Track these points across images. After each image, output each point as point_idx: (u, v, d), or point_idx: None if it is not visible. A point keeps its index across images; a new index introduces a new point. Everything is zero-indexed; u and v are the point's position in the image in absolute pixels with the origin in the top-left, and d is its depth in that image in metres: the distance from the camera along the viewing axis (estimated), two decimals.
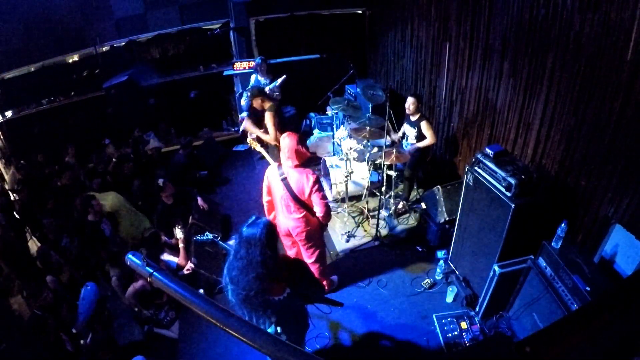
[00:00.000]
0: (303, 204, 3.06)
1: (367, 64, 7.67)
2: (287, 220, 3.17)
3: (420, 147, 4.49)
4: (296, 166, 3.01)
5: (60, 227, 4.47)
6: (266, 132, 4.65)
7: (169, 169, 5.78)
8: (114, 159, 5.65)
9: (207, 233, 2.60)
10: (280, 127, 4.42)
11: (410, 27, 5.71)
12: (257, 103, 4.51)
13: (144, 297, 3.47)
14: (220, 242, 2.54)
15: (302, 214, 3.10)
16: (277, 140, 4.29)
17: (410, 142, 4.56)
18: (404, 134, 4.73)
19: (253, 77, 5.97)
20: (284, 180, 3.02)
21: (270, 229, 1.99)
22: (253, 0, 6.77)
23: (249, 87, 5.83)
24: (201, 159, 6.36)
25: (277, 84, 5.75)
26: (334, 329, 3.45)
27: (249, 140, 4.23)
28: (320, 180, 3.07)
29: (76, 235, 4.25)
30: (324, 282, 3.64)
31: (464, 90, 4.64)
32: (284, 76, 5.81)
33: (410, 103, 4.41)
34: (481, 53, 4.19)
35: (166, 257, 3.86)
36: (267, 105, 4.51)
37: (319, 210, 3.05)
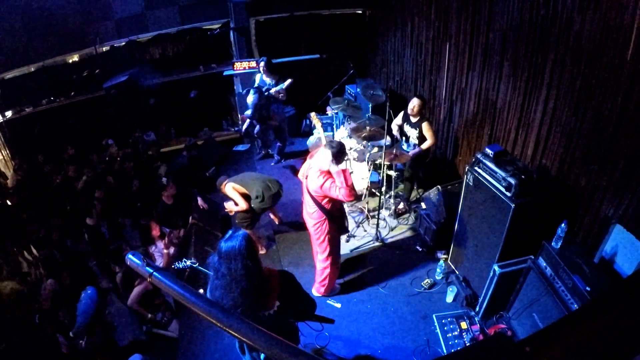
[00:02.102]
0: (316, 201, 3.23)
1: (367, 64, 7.67)
2: (305, 210, 3.44)
3: (423, 149, 4.46)
4: (328, 173, 3.12)
5: (66, 228, 4.47)
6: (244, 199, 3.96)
7: (171, 169, 5.78)
8: (118, 158, 5.64)
9: (185, 260, 2.55)
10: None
11: (410, 27, 5.70)
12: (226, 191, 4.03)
13: (145, 299, 3.47)
14: (200, 268, 2.49)
15: (314, 210, 3.29)
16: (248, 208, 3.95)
17: (412, 142, 4.54)
18: (406, 136, 4.68)
19: (258, 77, 5.82)
20: (305, 178, 3.31)
21: (250, 241, 1.92)
22: (253, 0, 6.77)
23: (255, 85, 5.69)
24: (201, 159, 6.37)
25: (284, 87, 5.68)
26: (333, 328, 3.45)
27: (312, 114, 3.95)
28: (335, 186, 3.08)
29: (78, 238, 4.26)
30: (325, 284, 3.63)
31: (464, 90, 4.63)
32: (290, 80, 5.72)
33: (415, 105, 4.35)
34: (481, 53, 4.18)
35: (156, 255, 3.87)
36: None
37: (340, 193, 3.02)
